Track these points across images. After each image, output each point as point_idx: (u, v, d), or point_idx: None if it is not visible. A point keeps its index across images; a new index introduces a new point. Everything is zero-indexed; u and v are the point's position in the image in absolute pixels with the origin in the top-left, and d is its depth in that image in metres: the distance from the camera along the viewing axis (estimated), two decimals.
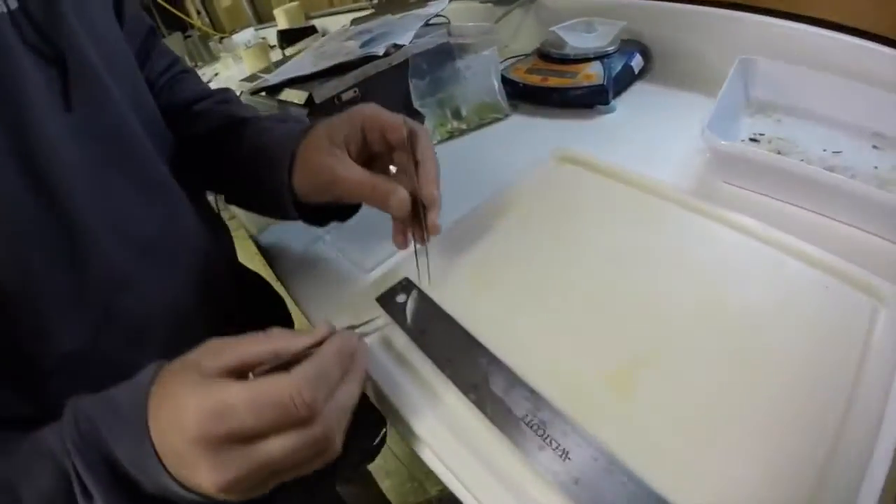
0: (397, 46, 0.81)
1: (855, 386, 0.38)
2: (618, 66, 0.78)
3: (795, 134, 0.61)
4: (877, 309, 0.42)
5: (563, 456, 0.36)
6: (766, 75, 0.66)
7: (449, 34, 0.86)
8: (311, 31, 1.45)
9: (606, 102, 0.77)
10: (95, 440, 0.33)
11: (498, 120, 0.82)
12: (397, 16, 0.96)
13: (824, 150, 0.58)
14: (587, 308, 0.47)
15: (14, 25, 0.37)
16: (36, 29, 0.38)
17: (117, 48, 0.50)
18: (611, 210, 0.56)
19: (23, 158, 0.37)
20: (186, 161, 0.56)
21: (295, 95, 0.79)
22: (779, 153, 0.59)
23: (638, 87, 0.82)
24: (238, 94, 0.93)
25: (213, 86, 0.70)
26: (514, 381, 0.41)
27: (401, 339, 0.47)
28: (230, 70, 1.64)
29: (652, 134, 0.71)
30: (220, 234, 0.61)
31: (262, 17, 2.20)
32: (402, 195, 0.46)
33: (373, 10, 1.25)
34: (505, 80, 0.83)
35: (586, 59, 0.80)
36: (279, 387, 0.31)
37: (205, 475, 0.31)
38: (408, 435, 0.41)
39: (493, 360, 0.43)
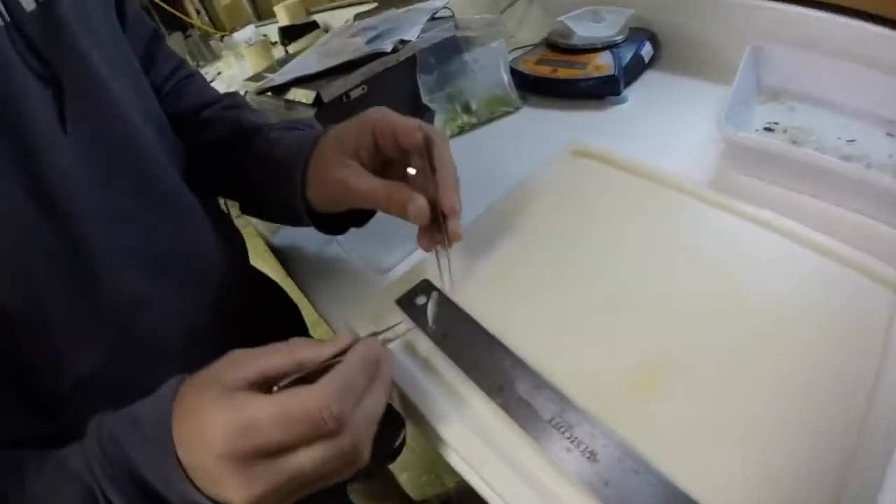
0: (404, 42, 0.80)
1: (877, 381, 0.37)
2: (628, 55, 0.77)
3: (809, 122, 0.60)
4: None
5: (591, 458, 0.36)
6: (778, 62, 0.65)
7: (456, 27, 0.85)
8: (313, 26, 1.44)
9: (618, 93, 0.76)
10: (121, 459, 0.32)
11: (508, 113, 0.81)
12: (401, 10, 0.95)
13: (839, 139, 0.57)
14: (608, 307, 0.46)
15: (11, 40, 0.36)
16: (29, 46, 0.37)
17: (123, 54, 0.49)
18: (629, 206, 0.56)
19: (29, 181, 0.36)
20: (197, 169, 0.55)
21: (302, 95, 0.78)
22: (794, 143, 0.58)
23: (648, 77, 0.81)
24: (243, 93, 0.92)
25: (215, 85, 0.69)
26: (540, 382, 0.41)
27: (423, 343, 0.47)
28: (232, 69, 1.63)
29: (665, 124, 0.70)
30: (234, 242, 0.60)
31: (262, 14, 2.17)
32: (419, 204, 0.44)
33: (376, 5, 1.24)
34: (513, 72, 0.82)
35: (595, 49, 0.79)
36: (306, 400, 0.31)
37: (233, 490, 0.31)
38: (434, 440, 0.41)
39: (518, 362, 0.42)
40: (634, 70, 0.79)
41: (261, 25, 1.88)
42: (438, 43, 0.83)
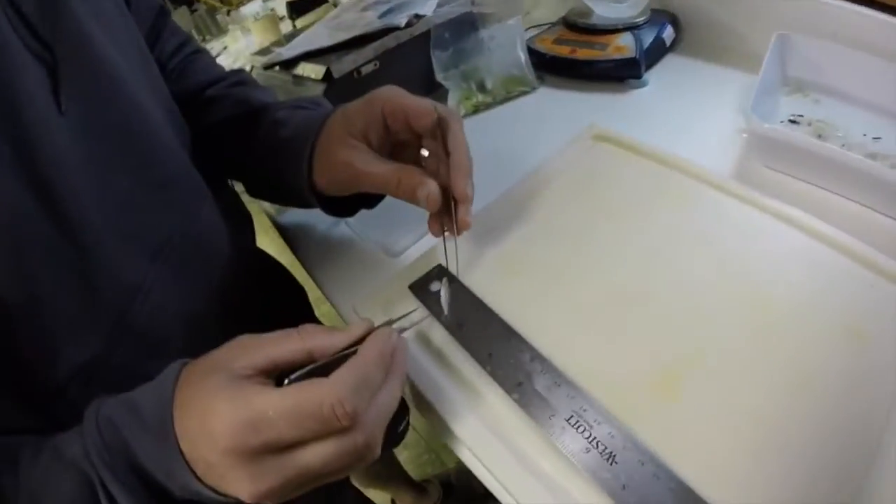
0: (418, 17, 0.77)
1: None
2: (649, 37, 0.75)
3: (834, 117, 0.59)
4: None
5: (610, 460, 0.35)
6: (804, 53, 0.63)
7: (472, 2, 0.82)
8: (322, 0, 1.41)
9: (639, 76, 0.73)
10: (119, 446, 0.31)
11: (525, 93, 0.79)
12: None
13: (864, 135, 0.55)
14: (629, 302, 0.45)
15: (6, 16, 0.34)
16: (25, 22, 0.34)
17: (128, 31, 0.46)
18: (651, 195, 0.54)
19: (22, 162, 0.33)
20: (203, 150, 0.53)
21: (311, 70, 0.76)
22: (819, 137, 0.56)
23: (669, 60, 0.78)
24: (250, 68, 0.90)
25: (221, 60, 0.67)
26: (559, 378, 0.39)
27: (437, 332, 0.45)
28: (239, 43, 1.60)
29: (686, 110, 0.68)
30: (241, 225, 0.58)
31: None
32: (430, 189, 0.42)
33: None
34: (530, 51, 0.79)
35: (616, 30, 0.76)
36: (319, 395, 0.29)
37: (238, 485, 0.30)
38: (445, 435, 0.40)
39: (537, 356, 0.41)
40: (656, 53, 0.77)
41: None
42: (454, 18, 0.80)
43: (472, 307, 0.46)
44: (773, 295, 0.43)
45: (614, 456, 0.35)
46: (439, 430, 0.41)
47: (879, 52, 0.58)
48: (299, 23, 1.31)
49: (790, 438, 0.35)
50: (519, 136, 0.71)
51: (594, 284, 0.47)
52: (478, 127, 0.74)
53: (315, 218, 0.65)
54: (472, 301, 0.46)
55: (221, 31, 1.91)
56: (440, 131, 0.44)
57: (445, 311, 0.46)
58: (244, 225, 0.60)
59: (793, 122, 0.59)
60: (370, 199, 0.54)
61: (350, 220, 0.61)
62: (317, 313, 0.78)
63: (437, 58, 0.79)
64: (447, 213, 0.45)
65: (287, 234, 0.67)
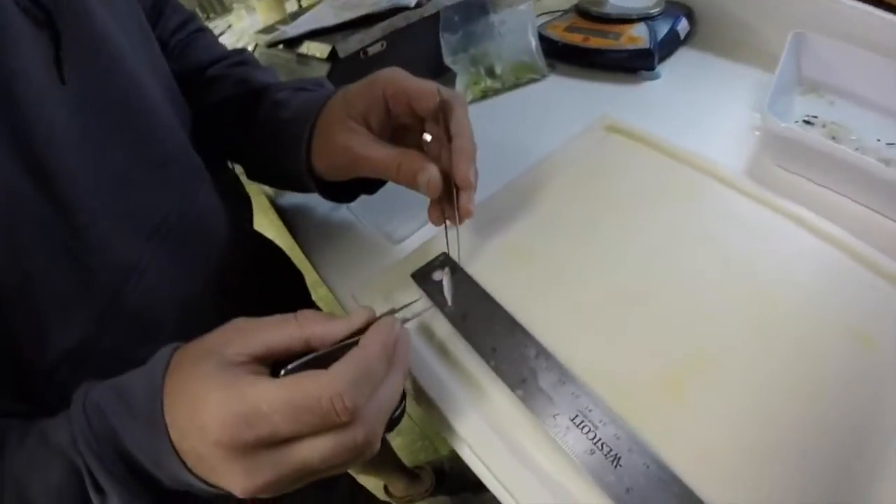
0: None
1: None
2: (664, 29, 0.73)
3: (849, 119, 0.57)
4: None
5: (615, 462, 0.34)
6: (819, 53, 0.62)
7: None
8: None
9: (652, 68, 0.71)
10: (108, 435, 0.30)
11: (534, 80, 0.77)
12: None
13: (878, 140, 0.54)
14: (635, 299, 0.44)
15: None
16: None
17: (129, 6, 0.44)
18: (663, 190, 0.52)
19: (16, 138, 0.31)
20: (203, 130, 0.52)
21: (317, 49, 0.73)
22: (833, 139, 0.55)
23: (682, 53, 0.77)
24: (253, 46, 0.88)
25: (226, 38, 0.65)
26: (565, 376, 0.38)
27: (439, 324, 0.44)
28: (243, 22, 1.57)
29: (698, 105, 0.66)
30: (239, 207, 0.57)
31: None
32: (430, 174, 0.41)
33: None
34: (541, 38, 0.77)
35: (629, 20, 0.74)
36: (317, 389, 0.28)
37: (230, 479, 0.29)
38: (446, 430, 0.39)
39: (542, 353, 0.40)
40: (669, 45, 0.75)
41: None
42: (464, 1, 0.77)
43: (476, 298, 0.44)
44: (782, 297, 0.42)
45: (619, 458, 0.34)
46: (439, 426, 0.39)
47: (893, 56, 0.57)
48: (305, 1, 1.28)
49: (796, 442, 0.35)
50: (527, 125, 0.70)
51: (600, 280, 0.45)
52: (485, 113, 0.73)
53: (315, 200, 0.63)
54: (476, 292, 0.45)
55: (226, 9, 1.87)
56: (443, 115, 0.42)
57: (449, 302, 0.44)
58: (242, 207, 0.58)
59: (807, 122, 0.58)
60: (370, 185, 0.53)
61: (351, 204, 0.60)
62: (314, 297, 0.77)
63: (446, 41, 0.77)
64: (449, 201, 0.43)
65: (286, 216, 0.65)
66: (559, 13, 0.83)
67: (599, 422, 0.35)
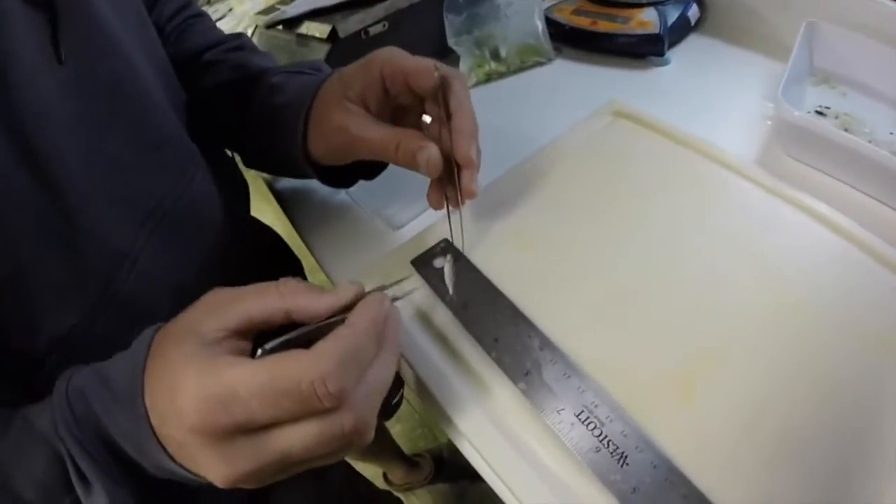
0: None
1: None
2: (674, 14, 0.71)
3: (861, 112, 0.56)
4: None
5: (621, 461, 0.32)
6: (831, 43, 0.60)
7: None
8: None
9: (661, 54, 0.69)
10: (90, 420, 0.28)
11: (540, 64, 0.75)
12: None
13: (891, 134, 0.53)
14: (644, 292, 0.42)
15: None
16: None
17: None
18: (673, 178, 0.51)
19: (7, 120, 0.30)
20: (199, 116, 0.51)
21: (316, 29, 0.72)
22: (846, 131, 0.54)
23: (692, 40, 0.75)
24: (253, 28, 0.86)
25: (226, 22, 0.64)
26: (570, 369, 0.37)
27: (440, 313, 0.42)
28: (244, 5, 1.54)
29: (708, 92, 0.65)
30: (235, 193, 0.56)
31: None
32: (430, 153, 0.39)
33: None
34: (548, 21, 0.75)
35: (639, 4, 0.72)
36: (297, 371, 0.26)
37: (209, 467, 0.27)
38: (444, 423, 0.38)
39: (547, 345, 0.38)
40: (679, 31, 0.73)
41: None
42: None
43: (478, 287, 0.43)
44: (792, 289, 0.41)
45: (626, 457, 0.32)
46: (438, 418, 0.38)
47: None
48: None
49: (808, 445, 0.33)
50: (531, 109, 0.68)
51: (607, 270, 0.44)
52: (489, 96, 0.71)
53: (313, 184, 0.62)
54: (478, 280, 0.43)
55: None
56: (442, 93, 0.41)
57: (450, 290, 0.43)
58: (239, 193, 0.57)
59: (819, 113, 0.57)
60: (370, 170, 0.52)
61: (350, 188, 0.58)
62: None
63: (450, 21, 0.75)
64: (451, 183, 0.42)
65: (284, 200, 0.64)
66: None
67: (606, 418, 0.34)
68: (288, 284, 0.31)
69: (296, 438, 0.27)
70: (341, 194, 0.60)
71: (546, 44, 0.74)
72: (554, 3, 0.80)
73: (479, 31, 0.74)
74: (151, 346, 0.29)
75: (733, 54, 0.71)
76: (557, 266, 0.45)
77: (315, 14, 0.74)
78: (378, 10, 0.70)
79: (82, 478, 0.29)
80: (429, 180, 0.44)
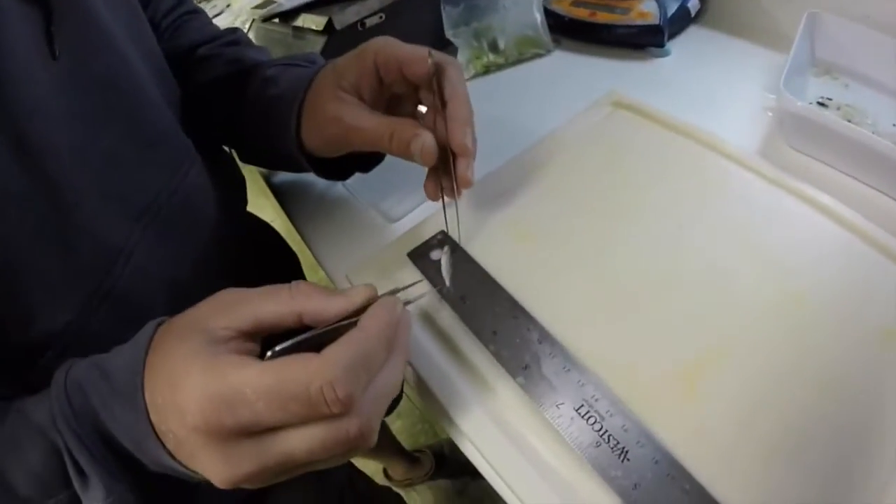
0: None
1: None
2: (674, 5, 0.70)
3: (864, 103, 0.56)
4: None
5: (622, 456, 0.32)
6: (834, 35, 0.60)
7: None
8: None
9: (661, 45, 0.69)
10: (88, 414, 0.28)
11: (539, 56, 0.74)
12: None
13: (894, 125, 0.53)
14: (645, 284, 0.42)
15: None
16: None
17: None
18: (673, 169, 0.50)
19: (1, 115, 0.30)
20: (195, 111, 0.50)
21: (312, 21, 0.71)
22: (848, 122, 0.53)
23: (692, 31, 0.74)
24: (250, 23, 0.85)
25: (224, 17, 0.64)
26: (569, 363, 0.36)
27: (437, 306, 0.42)
28: (242, 0, 1.54)
29: (708, 84, 0.64)
30: (232, 188, 0.55)
31: None
32: (425, 141, 0.39)
33: None
34: (547, 12, 0.75)
35: None
36: (306, 375, 0.26)
37: (210, 467, 0.27)
38: (442, 419, 0.37)
39: (546, 338, 0.37)
40: (680, 22, 0.72)
41: None
42: None
43: (476, 279, 0.42)
44: (795, 280, 0.40)
45: (627, 452, 0.32)
46: (436, 414, 0.38)
47: None
48: None
49: (810, 439, 0.33)
50: (530, 101, 0.68)
51: (607, 262, 0.43)
52: (487, 88, 0.70)
53: (309, 177, 0.61)
54: (476, 272, 0.43)
55: None
56: (436, 80, 0.40)
57: (447, 283, 0.42)
58: (236, 188, 0.57)
59: (821, 104, 0.57)
60: (366, 162, 0.51)
61: (347, 181, 0.58)
62: (310, 280, 0.75)
63: (448, 13, 0.74)
64: (447, 173, 0.41)
65: (280, 193, 0.63)
66: None
67: (606, 412, 0.33)
68: (300, 287, 0.31)
69: (300, 442, 0.26)
70: (338, 187, 0.59)
71: (545, 35, 0.74)
72: None
73: (477, 23, 0.74)
74: (153, 341, 0.29)
75: (734, 45, 0.70)
76: (556, 258, 0.44)
77: (311, 6, 0.74)
78: (374, 2, 0.70)
79: (80, 472, 0.28)
80: (426, 171, 0.43)
